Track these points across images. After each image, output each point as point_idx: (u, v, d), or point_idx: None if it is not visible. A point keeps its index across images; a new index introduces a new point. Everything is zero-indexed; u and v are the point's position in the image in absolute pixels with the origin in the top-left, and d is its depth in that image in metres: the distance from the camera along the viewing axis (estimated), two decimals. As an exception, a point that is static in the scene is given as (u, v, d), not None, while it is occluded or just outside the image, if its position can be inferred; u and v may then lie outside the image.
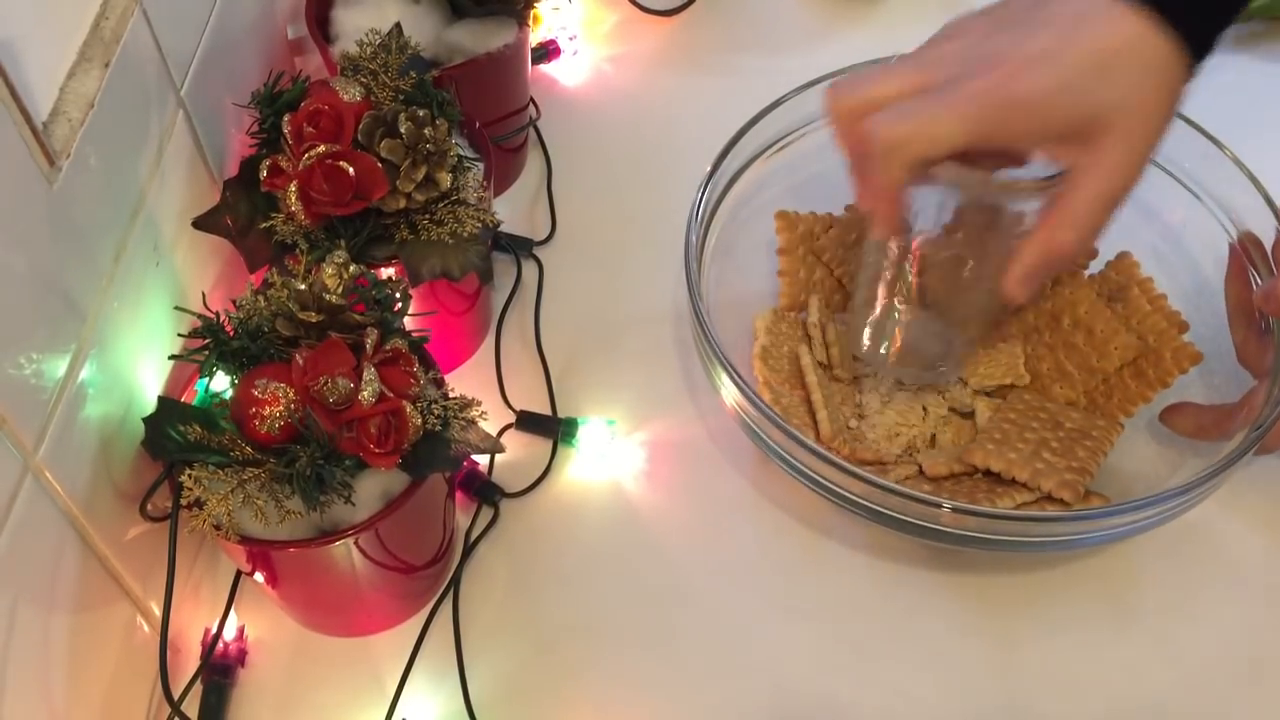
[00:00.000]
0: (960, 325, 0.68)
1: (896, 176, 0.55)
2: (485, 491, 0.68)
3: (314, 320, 0.54)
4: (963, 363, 0.70)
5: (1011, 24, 0.54)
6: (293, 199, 0.61)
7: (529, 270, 0.78)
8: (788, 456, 0.62)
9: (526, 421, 0.71)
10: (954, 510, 0.57)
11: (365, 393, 0.53)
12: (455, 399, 0.58)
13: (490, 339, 0.75)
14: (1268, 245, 0.67)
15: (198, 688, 0.60)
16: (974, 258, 0.63)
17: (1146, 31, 0.52)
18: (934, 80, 0.54)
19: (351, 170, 0.60)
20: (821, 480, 0.61)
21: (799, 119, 0.74)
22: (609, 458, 0.70)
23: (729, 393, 0.63)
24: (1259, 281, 0.67)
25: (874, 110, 0.55)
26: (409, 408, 0.54)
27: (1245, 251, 0.68)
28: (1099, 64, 0.52)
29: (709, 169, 0.70)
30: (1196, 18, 0.52)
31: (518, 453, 0.70)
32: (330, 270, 0.55)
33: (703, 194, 0.69)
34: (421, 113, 0.63)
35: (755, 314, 0.71)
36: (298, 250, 0.62)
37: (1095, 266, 0.71)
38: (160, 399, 0.58)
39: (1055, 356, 0.69)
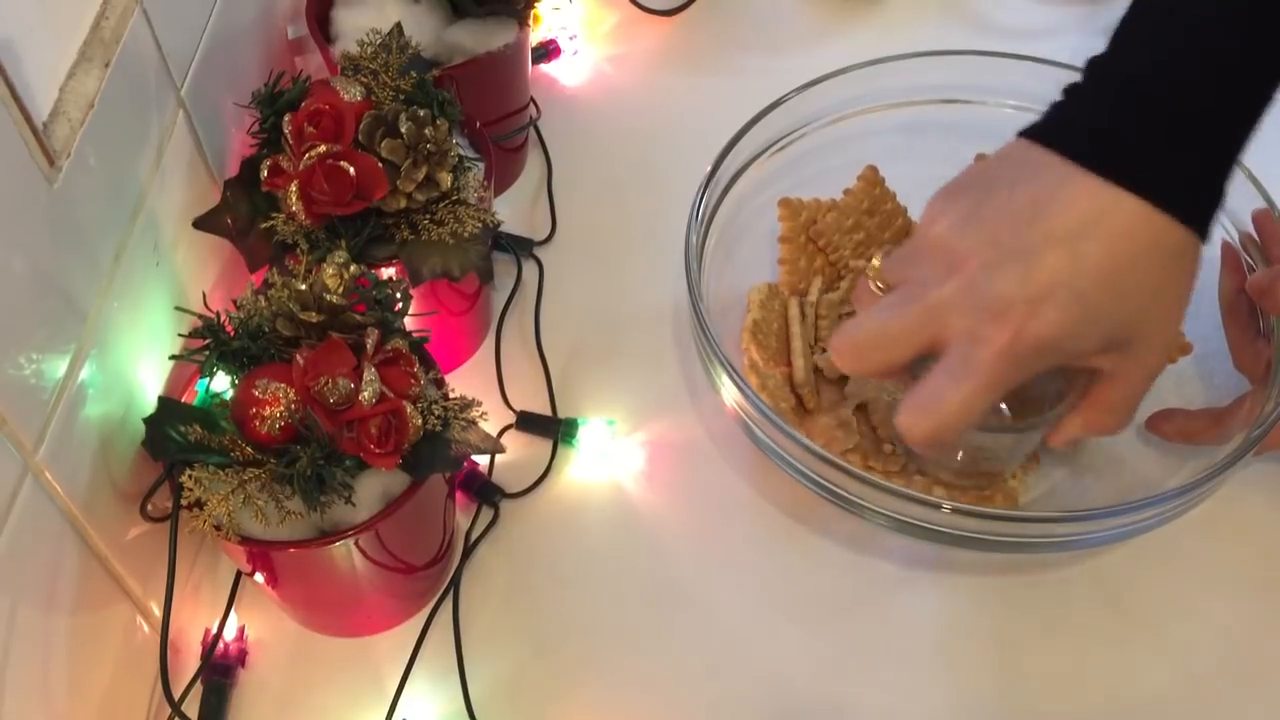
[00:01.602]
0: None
1: (944, 448, 0.53)
2: (485, 492, 0.68)
3: (314, 320, 0.54)
4: (1005, 473, 0.67)
5: (1007, 247, 0.48)
6: (293, 199, 0.61)
7: (529, 270, 0.78)
8: (787, 456, 0.62)
9: (526, 422, 0.71)
10: (953, 510, 0.58)
11: (366, 393, 0.53)
12: (455, 399, 0.58)
13: (490, 339, 0.75)
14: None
15: (198, 688, 0.60)
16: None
17: (1156, 220, 0.47)
18: (946, 336, 0.49)
19: (352, 170, 0.60)
20: (820, 480, 0.61)
21: (799, 119, 0.75)
22: (609, 458, 0.70)
23: (729, 393, 0.63)
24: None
25: (892, 374, 0.53)
26: (409, 408, 0.54)
27: (1243, 251, 0.68)
28: (1113, 279, 0.48)
29: (709, 169, 0.70)
30: (1200, 197, 0.49)
31: (518, 453, 0.70)
32: (331, 270, 0.55)
33: (703, 194, 0.69)
34: (422, 113, 0.63)
35: (750, 287, 0.70)
36: (298, 250, 0.62)
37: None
38: (160, 399, 0.58)
39: None
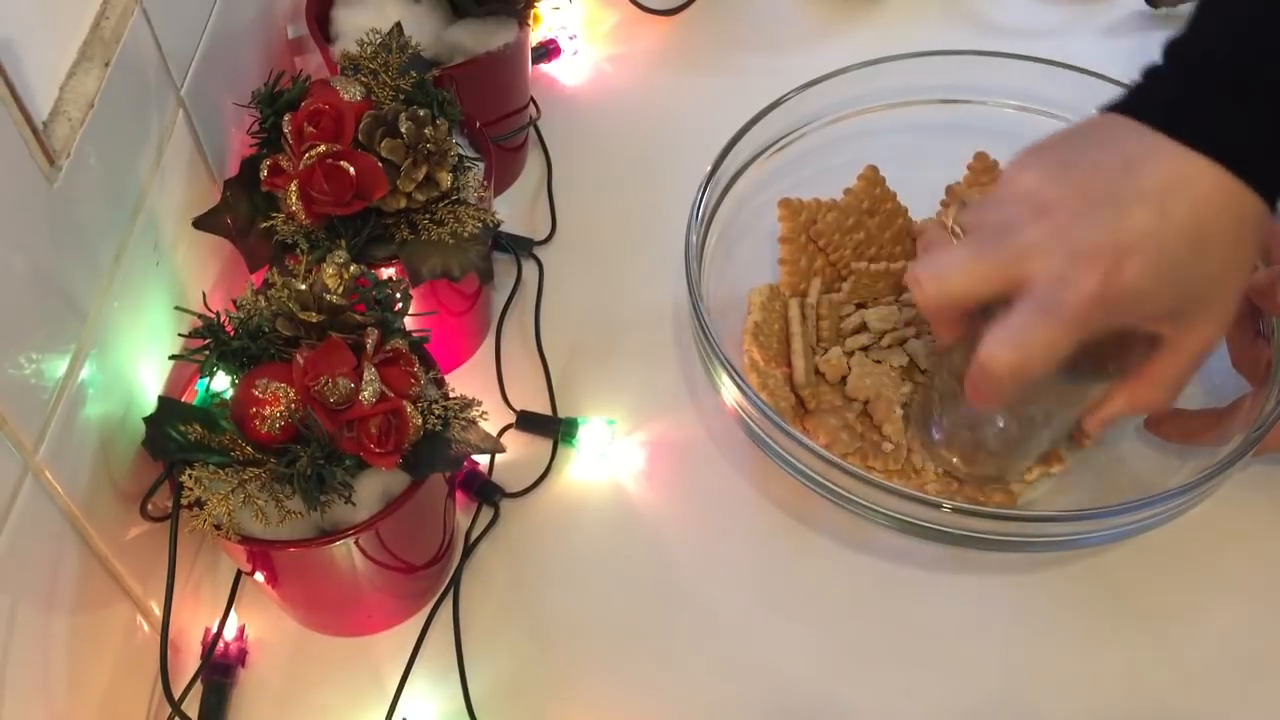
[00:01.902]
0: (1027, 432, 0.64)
1: (1012, 392, 0.53)
2: (485, 491, 0.68)
3: (314, 320, 0.54)
4: (1020, 468, 0.66)
5: (1098, 198, 0.50)
6: (293, 199, 0.61)
7: (529, 270, 0.78)
8: (787, 456, 0.62)
9: (526, 421, 0.71)
10: (954, 510, 0.58)
11: (366, 393, 0.53)
12: (455, 399, 0.58)
13: (490, 339, 0.75)
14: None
15: (198, 688, 0.60)
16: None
17: (1233, 188, 0.50)
18: (1033, 277, 0.50)
19: (352, 170, 0.60)
20: (821, 480, 0.61)
21: (799, 119, 0.75)
22: (609, 458, 0.70)
23: (729, 393, 0.63)
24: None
25: (965, 305, 0.53)
26: (409, 408, 0.54)
27: None
28: (1197, 239, 0.50)
29: (709, 169, 0.70)
30: (1266, 160, 0.50)
31: (518, 453, 0.70)
32: (331, 270, 0.55)
33: (703, 194, 0.69)
34: (422, 112, 0.63)
35: (751, 288, 0.71)
36: (298, 250, 0.62)
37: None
38: (161, 399, 0.58)
39: None
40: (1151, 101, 0.52)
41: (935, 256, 0.54)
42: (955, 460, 0.64)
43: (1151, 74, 0.53)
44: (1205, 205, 0.50)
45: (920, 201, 0.75)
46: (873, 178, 0.73)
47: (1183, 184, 0.50)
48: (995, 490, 0.65)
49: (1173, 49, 0.53)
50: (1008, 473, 0.65)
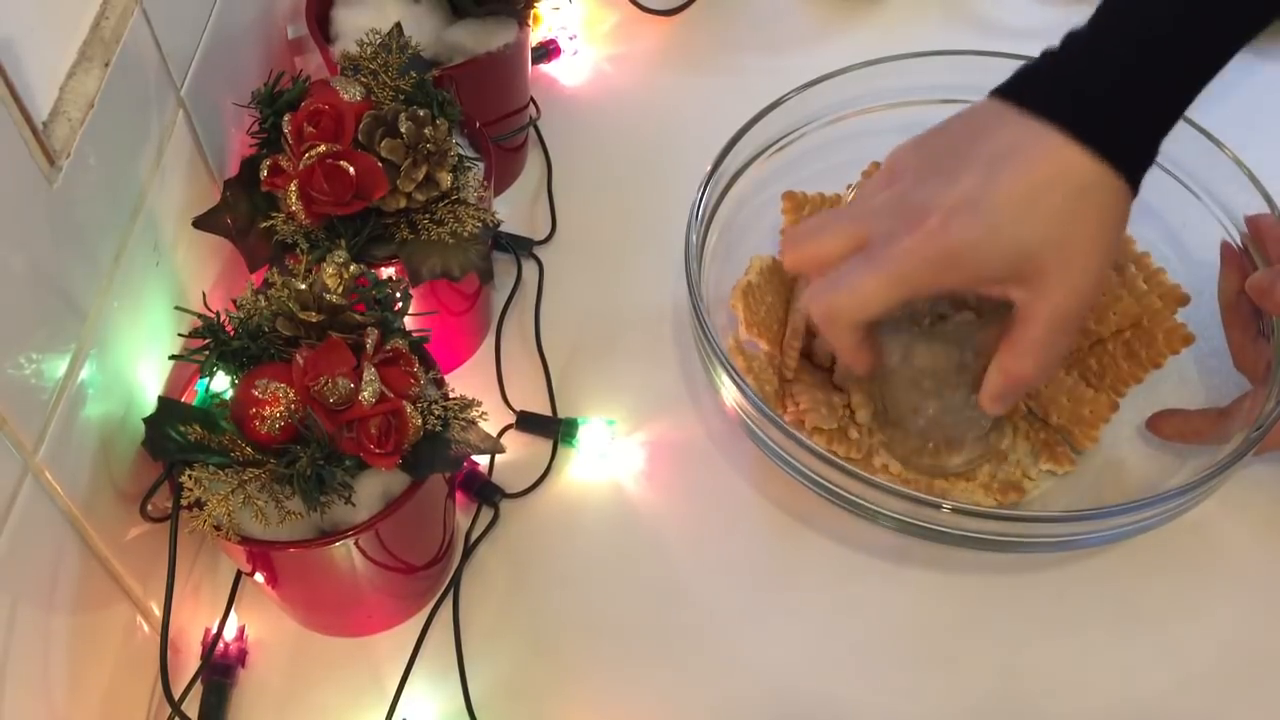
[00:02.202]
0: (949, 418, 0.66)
1: (842, 340, 0.56)
2: (485, 492, 0.68)
3: (314, 320, 0.54)
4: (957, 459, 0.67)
5: (940, 167, 0.54)
6: (293, 198, 0.61)
7: (529, 270, 0.78)
8: (787, 456, 0.62)
9: (526, 422, 0.71)
10: (954, 510, 0.57)
11: (365, 393, 0.53)
12: (455, 399, 0.58)
13: (490, 339, 0.75)
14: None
15: (198, 688, 0.60)
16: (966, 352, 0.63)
17: (1072, 157, 0.51)
18: (870, 235, 0.54)
19: (352, 170, 0.60)
20: (820, 480, 0.61)
21: (799, 119, 0.74)
22: (609, 458, 0.70)
23: (729, 392, 0.63)
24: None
25: (823, 267, 0.56)
26: (409, 408, 0.54)
27: (1243, 252, 0.68)
28: (1023, 203, 0.52)
29: (709, 169, 0.70)
30: (1118, 135, 0.52)
31: (518, 453, 0.70)
32: (330, 270, 0.55)
33: (703, 194, 0.69)
34: (422, 112, 0.63)
35: (754, 254, 0.71)
36: (298, 250, 0.62)
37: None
38: (160, 399, 0.58)
39: None
40: (1015, 82, 0.55)
41: (808, 221, 0.59)
42: (897, 455, 0.66)
43: (1026, 66, 0.56)
44: (1036, 166, 0.51)
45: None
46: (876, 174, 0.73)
47: (1015, 148, 0.52)
48: (1009, 489, 0.65)
49: (1050, 49, 0.56)
50: (947, 464, 0.66)
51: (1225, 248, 0.68)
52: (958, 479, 0.66)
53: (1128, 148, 0.53)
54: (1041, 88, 0.54)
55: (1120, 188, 0.53)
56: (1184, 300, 0.66)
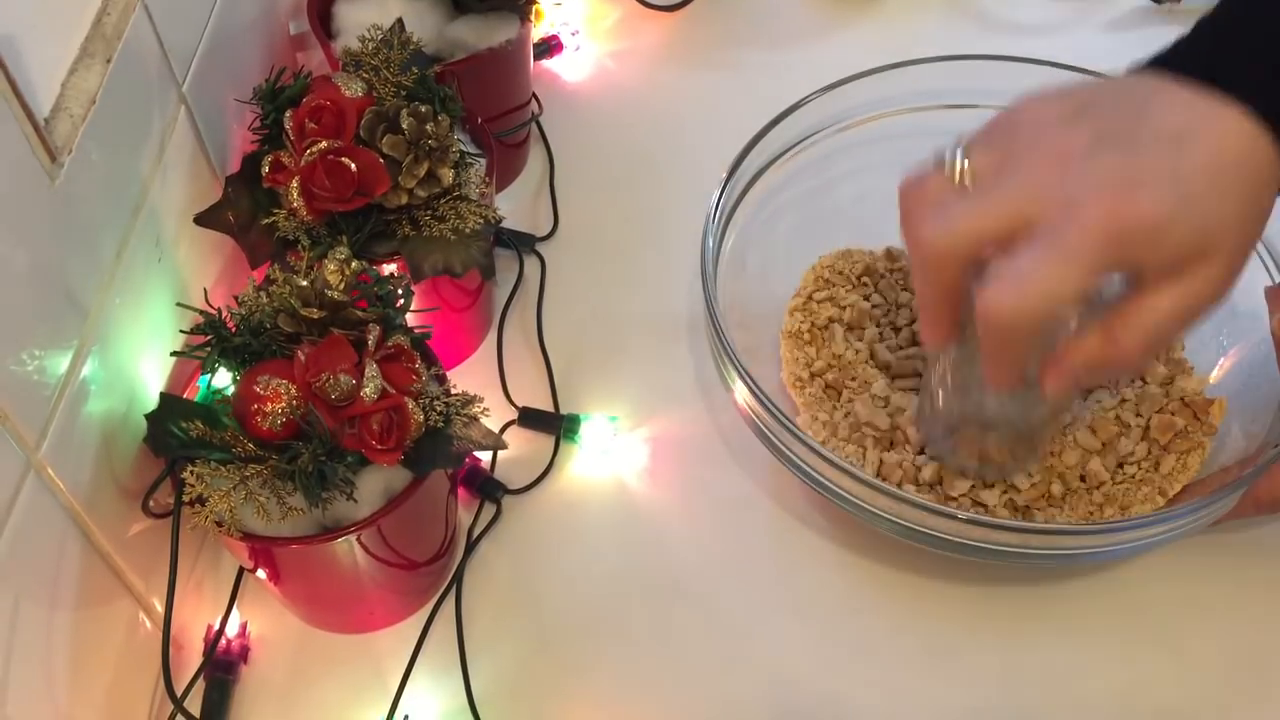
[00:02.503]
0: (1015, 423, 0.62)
1: (1019, 347, 0.49)
2: (487, 488, 0.68)
3: (316, 316, 0.54)
4: (1017, 466, 0.64)
5: (1114, 137, 0.48)
6: (295, 195, 0.61)
7: (531, 266, 0.78)
8: (801, 464, 0.61)
9: (529, 418, 0.71)
10: (966, 520, 0.57)
11: (367, 389, 0.53)
12: (457, 395, 0.57)
13: (492, 335, 0.75)
14: None
15: (200, 684, 0.60)
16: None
17: (1257, 139, 0.48)
18: (1035, 213, 0.47)
19: (353, 166, 0.60)
20: (833, 486, 0.60)
21: (816, 123, 0.73)
22: (611, 454, 0.70)
23: (741, 393, 0.62)
24: None
25: (972, 252, 0.49)
26: (411, 404, 0.54)
27: None
28: (1215, 179, 0.47)
29: (725, 174, 0.69)
30: None
31: (520, 449, 0.70)
32: (332, 266, 0.55)
33: (720, 198, 0.68)
34: (424, 108, 0.62)
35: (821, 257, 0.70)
36: (300, 246, 0.62)
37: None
38: (162, 395, 0.57)
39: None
40: (1175, 57, 0.51)
41: (942, 206, 0.50)
42: (964, 461, 0.64)
43: (1178, 41, 0.53)
44: (1225, 144, 0.48)
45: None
46: None
47: (1200, 125, 0.48)
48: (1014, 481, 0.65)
49: (1200, 24, 0.53)
50: (1020, 465, 0.64)
51: (1269, 291, 0.65)
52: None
53: None
54: (1213, 62, 0.50)
55: None
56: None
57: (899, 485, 0.64)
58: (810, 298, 0.72)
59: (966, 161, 0.50)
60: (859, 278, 0.73)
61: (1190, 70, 0.50)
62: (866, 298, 0.72)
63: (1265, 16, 0.50)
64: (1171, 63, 0.51)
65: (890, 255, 0.74)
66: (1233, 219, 0.48)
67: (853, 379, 0.68)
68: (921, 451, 0.66)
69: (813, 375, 0.69)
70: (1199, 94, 0.48)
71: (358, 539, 0.55)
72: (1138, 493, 0.63)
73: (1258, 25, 0.50)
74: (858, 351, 0.69)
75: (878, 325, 0.71)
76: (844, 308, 0.71)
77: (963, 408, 0.61)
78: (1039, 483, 0.64)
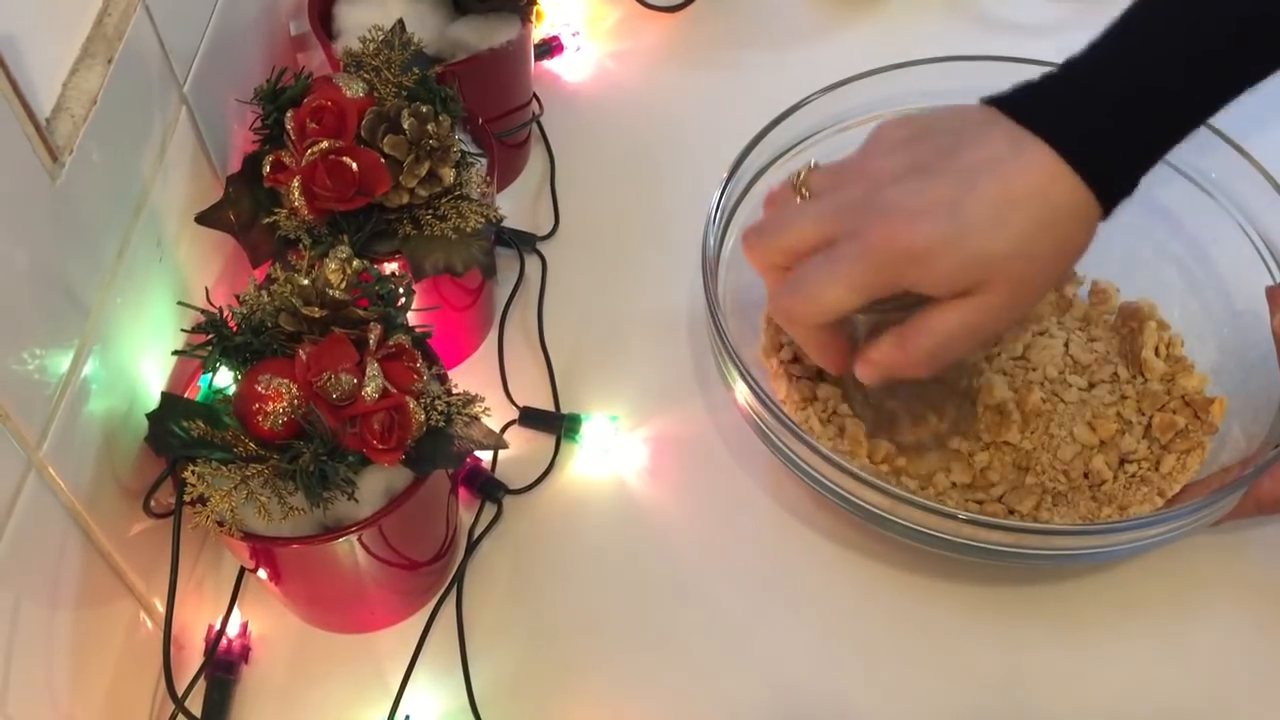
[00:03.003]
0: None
1: (806, 337, 0.56)
2: (488, 488, 0.68)
3: (317, 316, 0.54)
4: (959, 430, 0.67)
5: (920, 165, 0.53)
6: (296, 194, 0.61)
7: (532, 266, 0.78)
8: (804, 465, 0.60)
9: (529, 417, 0.71)
10: (968, 521, 0.57)
11: (368, 388, 0.53)
12: (458, 395, 0.58)
13: (493, 335, 0.75)
14: None
15: (201, 684, 0.60)
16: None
17: (1056, 176, 0.51)
18: (835, 231, 0.53)
19: (354, 166, 0.60)
20: (835, 488, 0.60)
21: (816, 123, 0.73)
22: (612, 454, 0.70)
23: (742, 392, 0.63)
24: None
25: (787, 260, 0.55)
26: (412, 404, 0.54)
27: None
28: (995, 214, 0.51)
29: (725, 174, 0.69)
30: (1107, 162, 0.52)
31: (521, 449, 0.70)
32: (333, 265, 0.55)
33: (721, 197, 0.68)
34: (424, 109, 0.62)
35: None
36: (301, 246, 0.62)
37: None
38: (163, 395, 0.58)
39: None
40: (1013, 94, 0.55)
41: (775, 213, 0.58)
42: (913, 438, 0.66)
43: (1030, 79, 0.56)
44: (1018, 181, 0.51)
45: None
46: None
47: (1000, 158, 0.51)
48: (951, 461, 0.65)
49: (1062, 64, 0.55)
50: (962, 428, 0.67)
51: (1270, 291, 0.66)
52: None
53: (1112, 177, 0.52)
54: (1038, 102, 0.53)
55: (1093, 216, 0.52)
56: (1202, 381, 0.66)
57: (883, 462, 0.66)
58: None
59: (804, 177, 0.57)
60: None
61: (1022, 106, 0.53)
62: None
63: (1098, 60, 0.53)
64: (1014, 97, 0.54)
65: None
66: (1015, 250, 0.51)
67: None
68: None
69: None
70: (1008, 128, 0.52)
71: (359, 539, 0.56)
72: (1137, 492, 0.64)
73: (1087, 67, 0.53)
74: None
75: None
76: None
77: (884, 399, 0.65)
78: (1040, 477, 0.64)
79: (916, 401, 0.66)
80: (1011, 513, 0.64)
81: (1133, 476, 0.65)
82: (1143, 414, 0.66)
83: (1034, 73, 0.73)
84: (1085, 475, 0.65)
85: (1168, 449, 0.65)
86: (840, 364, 0.59)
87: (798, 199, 0.57)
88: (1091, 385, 0.68)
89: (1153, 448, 0.65)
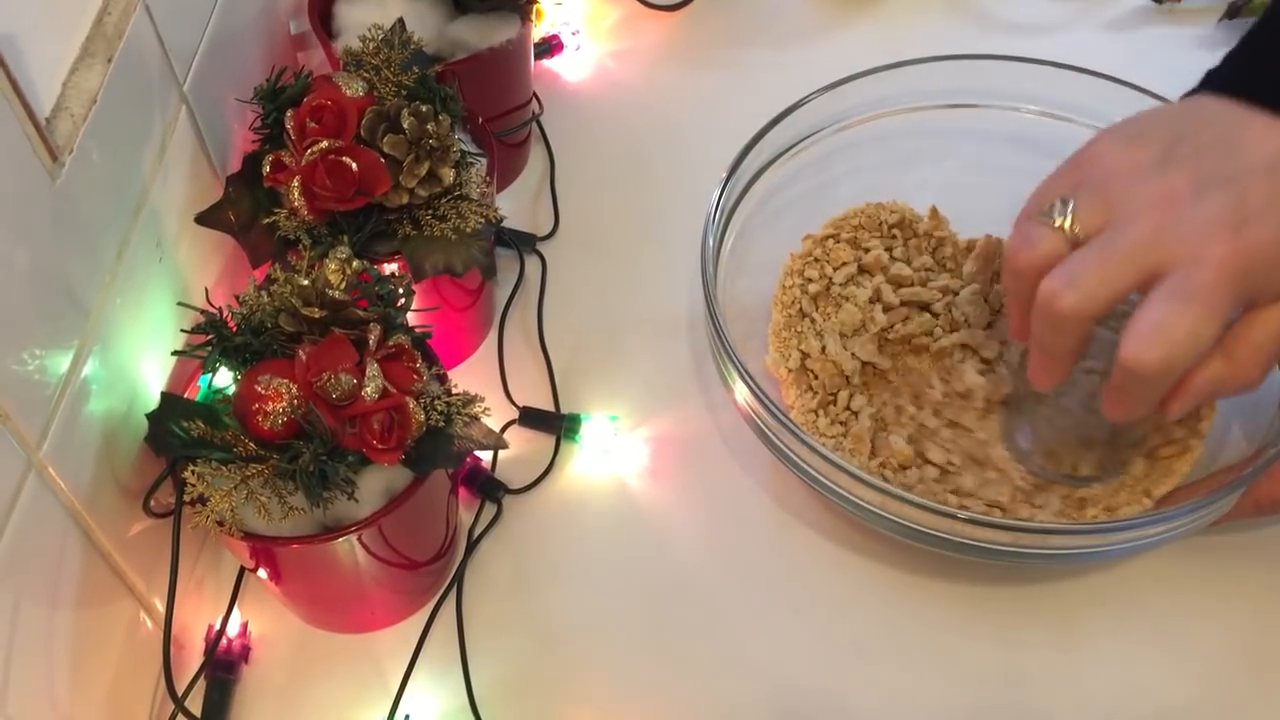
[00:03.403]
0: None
1: (1161, 388, 0.51)
2: (488, 488, 0.68)
3: (317, 316, 0.54)
4: (1116, 469, 0.65)
5: (1213, 176, 0.50)
6: (296, 194, 0.61)
7: (532, 266, 0.78)
8: (803, 464, 0.61)
9: (529, 417, 0.71)
10: (967, 520, 0.57)
11: (368, 389, 0.53)
12: (458, 395, 0.57)
13: (493, 335, 0.75)
14: None
15: (201, 684, 0.60)
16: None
17: None
18: (1159, 260, 0.50)
19: (354, 166, 0.60)
20: (834, 487, 0.60)
21: (816, 122, 0.73)
22: (612, 454, 0.70)
23: (741, 393, 0.63)
24: None
25: (1109, 308, 0.51)
26: (412, 404, 0.54)
27: None
28: None
29: (725, 174, 0.69)
30: None
31: (521, 449, 0.70)
32: (333, 266, 0.55)
33: (720, 197, 0.68)
34: (424, 108, 0.62)
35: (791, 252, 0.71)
36: (301, 246, 0.62)
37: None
38: (163, 395, 0.57)
39: None
40: (1235, 77, 0.53)
41: (1065, 264, 0.52)
42: (1051, 464, 0.65)
43: (1231, 57, 0.53)
44: None
45: (943, 203, 0.74)
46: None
47: None
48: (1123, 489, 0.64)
49: (1250, 35, 0.53)
50: (1109, 466, 0.65)
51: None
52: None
53: None
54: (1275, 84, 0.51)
55: None
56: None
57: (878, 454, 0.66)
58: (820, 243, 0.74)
59: (1072, 215, 0.53)
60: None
61: (1256, 92, 0.51)
62: (888, 249, 0.74)
63: None
64: (1233, 83, 0.52)
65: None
66: None
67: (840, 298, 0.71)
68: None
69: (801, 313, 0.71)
70: (1272, 124, 0.50)
71: (359, 539, 0.56)
72: (1120, 494, 0.64)
73: None
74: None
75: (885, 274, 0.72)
76: (865, 249, 0.73)
77: (1061, 431, 0.63)
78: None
79: (1074, 452, 0.64)
80: (994, 507, 0.64)
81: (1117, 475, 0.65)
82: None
83: (1034, 72, 0.74)
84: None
85: (1154, 452, 0.65)
86: (1064, 377, 0.55)
87: (1061, 234, 0.53)
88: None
89: (1141, 445, 0.65)
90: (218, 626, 0.62)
